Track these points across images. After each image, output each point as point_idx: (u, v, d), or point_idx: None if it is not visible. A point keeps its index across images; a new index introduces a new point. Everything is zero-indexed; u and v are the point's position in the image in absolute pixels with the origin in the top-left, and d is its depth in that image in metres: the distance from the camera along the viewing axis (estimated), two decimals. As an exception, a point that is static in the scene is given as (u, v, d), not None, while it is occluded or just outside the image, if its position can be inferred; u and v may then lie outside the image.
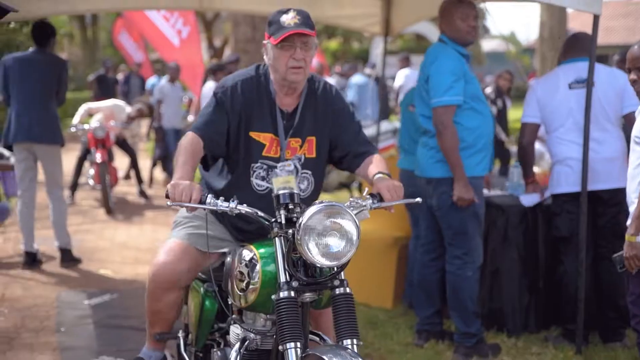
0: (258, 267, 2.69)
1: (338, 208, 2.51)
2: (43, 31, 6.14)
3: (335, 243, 2.51)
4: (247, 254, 2.76)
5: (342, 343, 2.54)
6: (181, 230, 3.11)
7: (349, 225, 2.51)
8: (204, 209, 2.65)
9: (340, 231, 2.51)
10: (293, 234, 2.52)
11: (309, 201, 2.93)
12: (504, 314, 4.73)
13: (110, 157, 8.82)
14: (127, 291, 5.68)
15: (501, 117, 9.38)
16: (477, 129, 4.31)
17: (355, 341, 2.53)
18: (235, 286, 2.78)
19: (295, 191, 2.68)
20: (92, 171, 9.21)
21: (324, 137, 3.07)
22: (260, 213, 2.67)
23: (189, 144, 2.88)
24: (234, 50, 11.62)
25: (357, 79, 12.93)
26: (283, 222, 2.60)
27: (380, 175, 2.87)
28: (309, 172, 3.05)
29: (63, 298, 5.46)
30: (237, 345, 2.78)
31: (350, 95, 12.39)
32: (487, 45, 36.95)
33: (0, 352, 4.33)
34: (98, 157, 8.60)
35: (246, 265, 2.73)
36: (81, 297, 5.50)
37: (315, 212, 2.48)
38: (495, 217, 4.74)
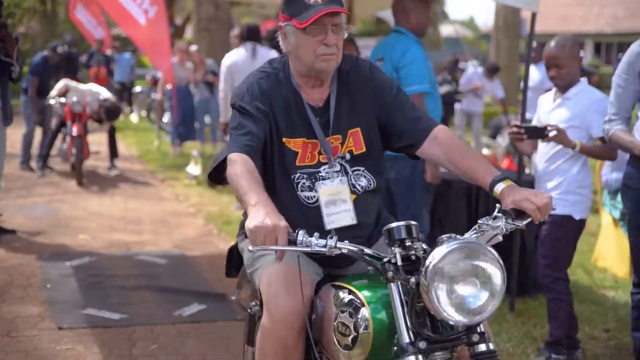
0: (367, 316, 2.14)
1: (478, 246, 2.00)
2: None
3: (473, 293, 2.00)
4: (345, 298, 2.21)
5: None
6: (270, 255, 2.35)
7: (491, 269, 2.00)
8: (296, 251, 2.06)
9: (479, 277, 2.00)
10: (417, 281, 2.02)
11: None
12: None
13: (85, 131, 9.16)
14: (105, 254, 6.12)
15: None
16: (433, 112, 4.84)
17: None
18: (336, 341, 2.21)
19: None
20: (65, 144, 9.57)
21: (371, 125, 2.52)
22: (366, 250, 2.13)
23: (241, 165, 2.24)
24: (196, 29, 11.90)
25: None
26: (399, 263, 2.08)
27: (503, 183, 2.24)
28: (362, 168, 2.52)
29: (45, 259, 5.87)
30: None
31: None
32: (445, 30, 37.58)
33: (-6, 304, 4.78)
34: (74, 130, 8.96)
35: (350, 315, 2.16)
36: (62, 258, 5.91)
37: (449, 252, 1.97)
38: (442, 190, 5.30)
